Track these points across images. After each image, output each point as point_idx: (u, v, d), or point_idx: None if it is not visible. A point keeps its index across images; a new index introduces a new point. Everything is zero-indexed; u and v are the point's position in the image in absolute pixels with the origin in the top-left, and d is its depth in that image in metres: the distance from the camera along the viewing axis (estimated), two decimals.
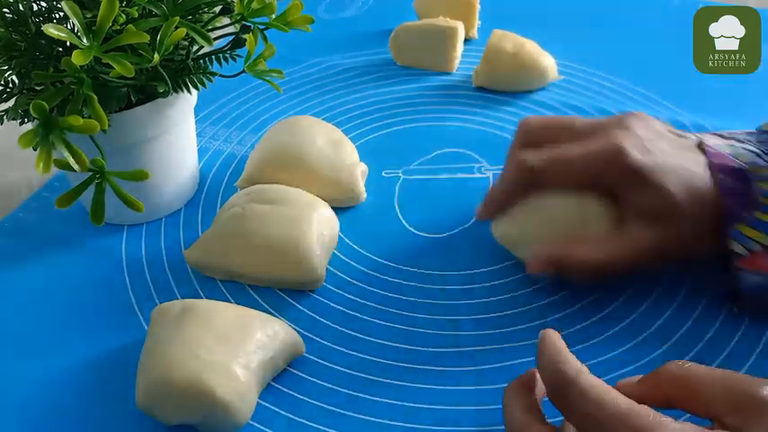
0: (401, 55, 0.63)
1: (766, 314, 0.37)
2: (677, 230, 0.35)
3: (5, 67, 0.36)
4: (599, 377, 0.27)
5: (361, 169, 0.47)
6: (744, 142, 0.37)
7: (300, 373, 0.36)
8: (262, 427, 0.33)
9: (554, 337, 0.29)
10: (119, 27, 0.34)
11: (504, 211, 0.40)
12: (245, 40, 0.39)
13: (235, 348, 0.33)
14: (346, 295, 0.40)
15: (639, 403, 0.25)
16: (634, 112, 0.39)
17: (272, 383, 0.35)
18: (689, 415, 0.28)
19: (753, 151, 0.36)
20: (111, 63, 0.32)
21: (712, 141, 0.38)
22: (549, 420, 0.29)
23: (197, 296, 0.40)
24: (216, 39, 0.39)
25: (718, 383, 0.26)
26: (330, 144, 0.47)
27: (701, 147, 0.37)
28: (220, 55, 0.42)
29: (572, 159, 0.37)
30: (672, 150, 0.37)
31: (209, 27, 0.40)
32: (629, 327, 0.37)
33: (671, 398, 0.27)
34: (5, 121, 0.39)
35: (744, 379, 0.26)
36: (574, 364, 0.27)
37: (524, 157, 0.38)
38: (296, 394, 0.35)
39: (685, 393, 0.27)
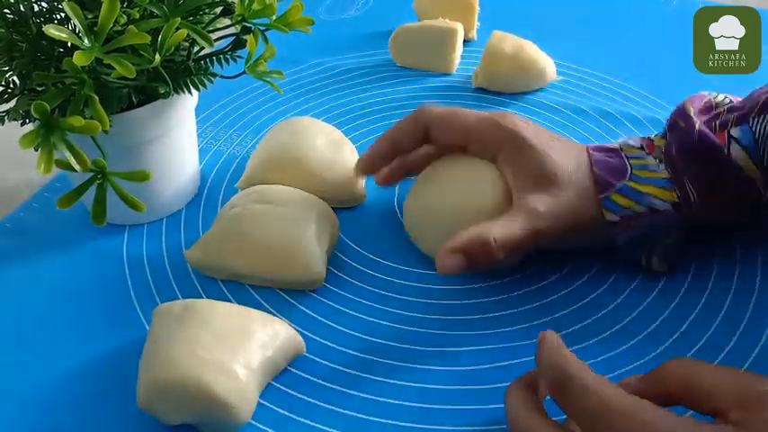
0: (401, 56, 0.63)
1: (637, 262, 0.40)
2: (564, 196, 0.37)
3: (6, 68, 0.36)
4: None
5: None
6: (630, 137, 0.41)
7: (301, 373, 0.36)
8: (262, 427, 0.33)
9: (554, 337, 0.29)
10: (120, 28, 0.34)
11: (390, 160, 0.42)
12: (246, 41, 0.39)
13: (235, 348, 0.33)
14: (346, 295, 0.40)
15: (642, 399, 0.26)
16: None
17: (273, 383, 0.35)
18: (692, 411, 0.28)
19: (628, 141, 0.40)
20: (112, 64, 0.32)
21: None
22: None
23: (198, 296, 0.40)
24: (217, 40, 0.39)
25: (720, 379, 0.26)
26: (330, 145, 0.47)
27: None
28: (221, 56, 0.42)
29: (466, 114, 0.40)
30: (553, 137, 0.40)
31: (210, 28, 0.40)
32: (628, 325, 0.37)
33: (673, 395, 0.27)
34: (7, 121, 0.39)
35: (746, 375, 0.26)
36: (574, 361, 0.27)
37: (425, 108, 0.41)
38: (296, 394, 0.35)
39: (687, 390, 0.27)
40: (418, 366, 0.36)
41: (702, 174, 0.37)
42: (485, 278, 0.41)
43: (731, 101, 0.40)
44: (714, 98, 0.40)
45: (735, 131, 0.37)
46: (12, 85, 0.39)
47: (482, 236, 0.36)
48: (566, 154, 0.39)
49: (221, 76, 0.42)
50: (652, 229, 0.38)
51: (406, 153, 0.43)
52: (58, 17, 0.38)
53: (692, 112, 0.39)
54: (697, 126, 0.37)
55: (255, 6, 0.38)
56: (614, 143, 0.41)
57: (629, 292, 0.39)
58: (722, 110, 0.39)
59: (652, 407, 0.25)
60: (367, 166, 0.44)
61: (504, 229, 0.36)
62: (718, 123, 0.38)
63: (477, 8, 0.66)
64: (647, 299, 0.39)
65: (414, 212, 0.42)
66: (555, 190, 0.37)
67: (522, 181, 0.38)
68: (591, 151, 0.39)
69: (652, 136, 0.41)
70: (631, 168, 0.38)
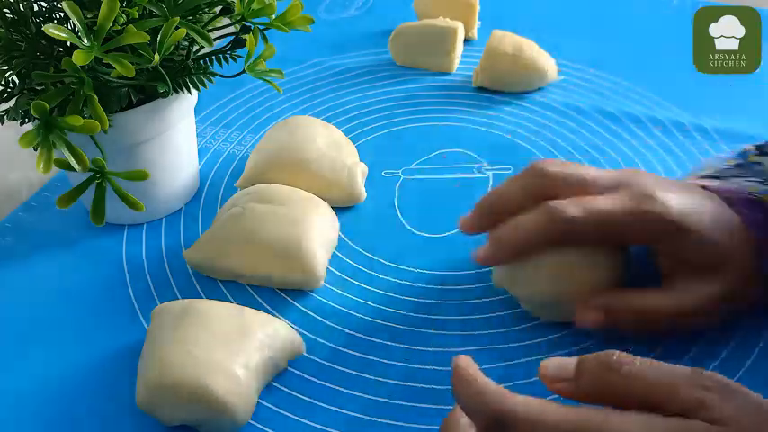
0: (401, 55, 0.63)
1: None
2: (732, 276, 0.34)
3: (6, 68, 0.36)
4: None
5: (361, 169, 0.47)
6: (738, 177, 0.37)
7: (300, 373, 0.36)
8: (262, 427, 0.33)
9: (467, 369, 0.26)
10: (119, 27, 0.34)
11: (516, 259, 0.36)
12: (246, 40, 0.39)
13: (235, 348, 0.33)
14: (346, 295, 0.40)
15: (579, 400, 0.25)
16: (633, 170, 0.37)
17: (272, 383, 0.35)
18: None
19: (755, 180, 0.36)
20: (111, 63, 0.32)
21: (707, 182, 0.37)
22: None
23: (197, 296, 0.40)
24: (216, 39, 0.39)
25: (666, 387, 0.24)
26: (330, 144, 0.47)
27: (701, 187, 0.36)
28: (220, 55, 0.42)
29: (610, 212, 0.34)
30: (700, 196, 0.35)
31: (210, 27, 0.40)
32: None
33: (616, 405, 0.25)
34: (6, 121, 0.39)
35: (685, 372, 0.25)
36: (492, 392, 0.25)
37: (560, 206, 0.34)
38: (296, 394, 0.35)
39: (633, 404, 0.25)
40: (418, 366, 0.36)
41: None
42: (485, 278, 0.41)
43: None
44: None
45: None
46: (11, 85, 0.39)
47: (645, 307, 0.34)
48: (724, 228, 0.34)
49: (221, 76, 0.42)
50: None
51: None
52: (58, 16, 0.38)
53: None
54: None
55: (255, 5, 0.38)
56: (730, 177, 0.36)
57: None
58: None
59: (595, 415, 0.24)
60: (472, 229, 0.38)
61: (666, 302, 0.34)
62: None
63: (478, 7, 0.66)
64: None
65: (517, 281, 0.37)
66: (723, 271, 0.34)
67: (680, 266, 0.34)
68: (739, 208, 0.34)
69: (759, 159, 0.37)
70: None
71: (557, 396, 0.27)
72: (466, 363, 0.27)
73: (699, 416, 0.23)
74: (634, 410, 0.24)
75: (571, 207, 0.34)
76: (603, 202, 0.34)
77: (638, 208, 0.34)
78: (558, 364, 0.27)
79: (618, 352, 0.26)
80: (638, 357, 0.26)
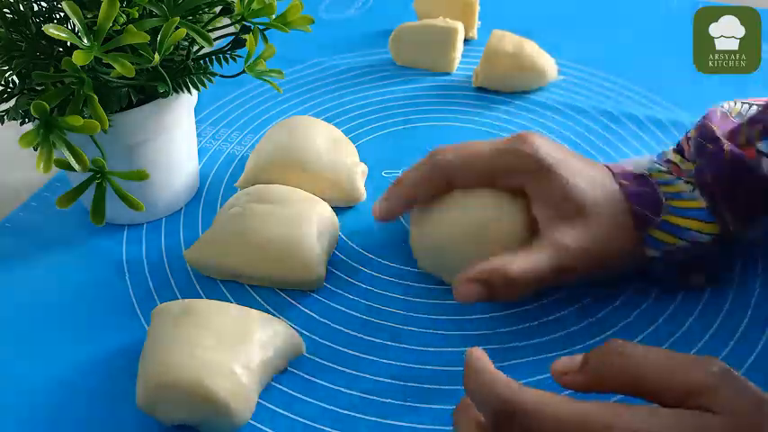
0: (401, 55, 0.63)
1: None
2: (594, 230, 0.35)
3: (6, 68, 0.36)
4: None
5: (361, 169, 0.47)
6: (643, 157, 0.39)
7: (300, 373, 0.36)
8: (262, 427, 0.33)
9: (479, 361, 0.27)
10: (119, 27, 0.34)
11: (406, 208, 0.40)
12: (245, 40, 0.39)
13: (235, 348, 0.33)
14: (346, 295, 0.40)
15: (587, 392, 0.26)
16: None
17: (272, 383, 0.35)
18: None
19: (653, 160, 0.39)
20: (111, 63, 0.32)
21: (613, 164, 0.39)
22: None
23: (197, 296, 0.40)
24: (216, 39, 0.39)
25: (665, 371, 0.25)
26: (330, 144, 0.47)
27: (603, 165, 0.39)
28: (220, 55, 0.42)
29: (482, 152, 0.38)
30: (576, 157, 0.38)
31: (210, 27, 0.40)
32: (625, 330, 0.37)
33: (618, 392, 0.27)
34: (6, 121, 0.39)
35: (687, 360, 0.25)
36: (504, 385, 0.26)
37: (440, 154, 0.38)
38: (296, 394, 0.35)
39: (633, 391, 0.26)
40: (418, 367, 0.36)
41: (740, 197, 0.36)
42: None
43: (747, 106, 0.39)
44: (730, 109, 0.39)
45: (762, 145, 0.36)
46: (11, 85, 0.39)
47: (504, 269, 0.34)
48: (593, 181, 0.36)
49: (221, 76, 0.42)
50: (693, 258, 0.36)
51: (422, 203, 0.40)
52: (58, 16, 0.38)
53: (717, 132, 0.37)
54: (727, 148, 0.36)
55: (255, 5, 0.38)
56: (632, 163, 0.39)
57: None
58: (743, 122, 0.38)
59: (604, 409, 0.24)
60: (385, 217, 0.40)
61: (527, 264, 0.34)
62: (744, 139, 0.37)
63: (478, 7, 0.66)
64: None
65: (422, 240, 0.40)
66: (584, 222, 0.35)
67: (548, 211, 0.35)
68: (620, 179, 0.37)
69: (670, 155, 0.39)
70: (665, 198, 0.36)
71: (568, 393, 0.27)
72: (478, 354, 0.28)
73: (700, 401, 0.24)
74: (641, 405, 0.24)
75: (449, 153, 0.38)
76: (480, 147, 0.38)
77: (508, 147, 0.37)
78: (569, 359, 0.28)
79: (622, 340, 0.27)
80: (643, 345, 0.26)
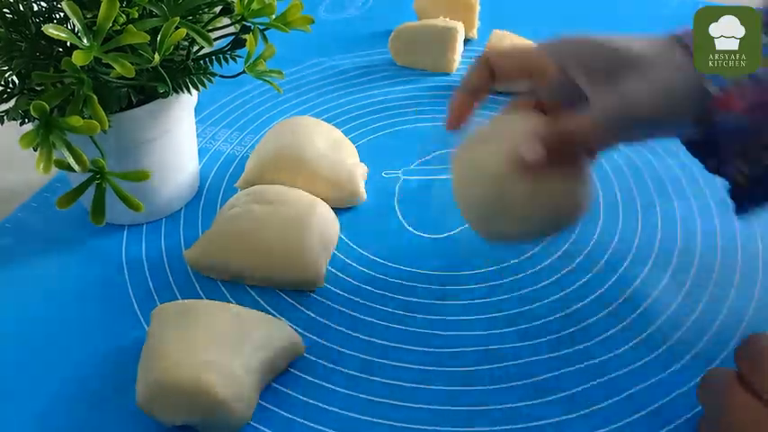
0: (401, 55, 0.63)
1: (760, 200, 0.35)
2: (656, 73, 0.33)
3: (6, 68, 0.36)
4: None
5: (361, 169, 0.47)
6: None
7: (300, 373, 0.36)
8: (262, 428, 0.33)
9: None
10: (119, 27, 0.34)
11: (468, 108, 0.40)
12: (245, 40, 0.39)
13: (235, 349, 0.33)
14: (346, 295, 0.40)
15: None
16: None
17: (272, 383, 0.35)
18: None
19: None
20: (111, 63, 0.32)
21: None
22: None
23: (197, 296, 0.40)
24: (216, 39, 0.39)
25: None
26: (330, 144, 0.47)
27: None
28: (220, 55, 0.42)
29: (528, 48, 0.38)
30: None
31: (210, 27, 0.40)
32: (635, 322, 0.37)
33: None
34: (6, 121, 0.39)
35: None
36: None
37: (485, 53, 0.39)
38: (296, 394, 0.35)
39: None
40: (418, 367, 0.36)
41: None
42: (485, 279, 0.41)
43: None
44: None
45: None
46: (11, 85, 0.39)
47: (563, 128, 0.32)
48: (639, 36, 0.34)
49: (221, 76, 0.42)
50: (754, 124, 0.33)
51: (483, 98, 0.40)
52: (58, 17, 0.38)
53: None
54: None
55: (255, 6, 0.38)
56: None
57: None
58: None
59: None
60: (455, 121, 0.40)
61: (584, 120, 0.32)
62: None
63: (478, 7, 0.66)
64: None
65: (460, 164, 0.38)
66: (642, 70, 0.33)
67: (599, 77, 0.33)
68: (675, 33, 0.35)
69: None
70: None
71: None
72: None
73: None
74: None
75: (494, 53, 0.39)
76: (521, 42, 0.38)
77: (549, 40, 0.37)
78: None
79: None
80: None
